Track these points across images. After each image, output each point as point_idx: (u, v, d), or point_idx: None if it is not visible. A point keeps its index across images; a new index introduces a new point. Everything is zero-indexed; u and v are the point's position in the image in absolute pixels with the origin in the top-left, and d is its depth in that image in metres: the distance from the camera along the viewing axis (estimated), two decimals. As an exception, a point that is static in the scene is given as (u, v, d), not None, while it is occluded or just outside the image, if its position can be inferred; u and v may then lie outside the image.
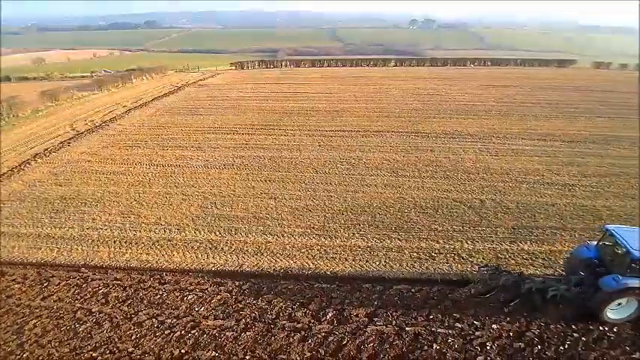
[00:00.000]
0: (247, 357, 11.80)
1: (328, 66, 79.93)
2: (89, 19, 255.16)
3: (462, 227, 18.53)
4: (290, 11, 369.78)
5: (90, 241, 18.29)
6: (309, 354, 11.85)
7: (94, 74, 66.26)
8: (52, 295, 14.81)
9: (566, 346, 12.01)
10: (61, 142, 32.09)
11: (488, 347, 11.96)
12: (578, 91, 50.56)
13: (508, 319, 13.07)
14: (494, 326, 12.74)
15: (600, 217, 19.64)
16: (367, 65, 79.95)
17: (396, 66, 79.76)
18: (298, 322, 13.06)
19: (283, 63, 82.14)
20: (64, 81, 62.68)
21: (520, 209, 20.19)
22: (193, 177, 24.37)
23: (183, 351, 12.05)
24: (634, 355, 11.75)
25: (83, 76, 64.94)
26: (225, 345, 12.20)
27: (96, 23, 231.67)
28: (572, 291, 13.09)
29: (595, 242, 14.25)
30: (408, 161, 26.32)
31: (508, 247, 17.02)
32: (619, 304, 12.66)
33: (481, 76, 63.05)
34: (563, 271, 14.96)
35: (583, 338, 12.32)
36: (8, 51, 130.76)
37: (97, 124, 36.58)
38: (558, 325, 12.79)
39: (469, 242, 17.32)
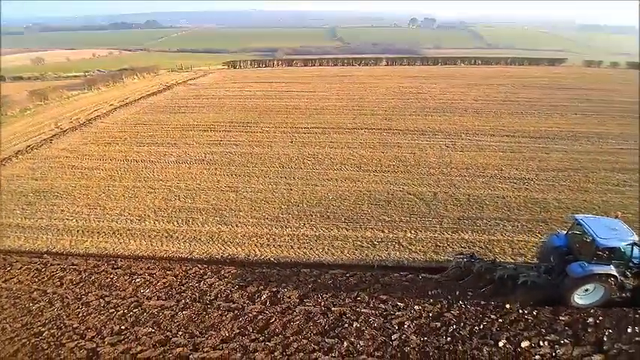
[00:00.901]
0: (180, 333, 12.67)
1: (320, 65, 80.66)
2: (90, 19, 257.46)
3: (410, 218, 19.32)
4: (290, 11, 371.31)
5: (55, 230, 19.26)
6: (237, 330, 12.71)
7: (87, 74, 67.28)
8: (14, 278, 15.89)
9: (482, 326, 12.75)
10: (44, 140, 33.07)
11: (405, 326, 12.75)
12: (561, 89, 51.07)
13: (431, 300, 13.84)
14: (416, 307, 13.53)
15: (547, 209, 20.41)
16: (359, 64, 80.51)
17: (388, 65, 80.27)
18: (234, 303, 13.93)
19: (276, 62, 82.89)
20: (58, 81, 63.75)
21: (470, 201, 20.94)
22: (163, 172, 25.27)
23: (123, 327, 12.96)
24: (547, 337, 12.40)
25: (76, 76, 66.02)
26: (162, 322, 13.10)
27: (97, 23, 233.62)
28: (541, 277, 13.83)
29: (565, 231, 14.94)
30: (373, 157, 27.10)
31: (449, 237, 17.81)
32: (586, 290, 13.28)
33: (469, 75, 63.68)
34: (537, 259, 15.65)
35: (500, 320, 13.04)
36: (8, 51, 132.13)
37: (81, 122, 37.56)
38: (478, 307, 13.51)
39: (412, 232, 18.10)
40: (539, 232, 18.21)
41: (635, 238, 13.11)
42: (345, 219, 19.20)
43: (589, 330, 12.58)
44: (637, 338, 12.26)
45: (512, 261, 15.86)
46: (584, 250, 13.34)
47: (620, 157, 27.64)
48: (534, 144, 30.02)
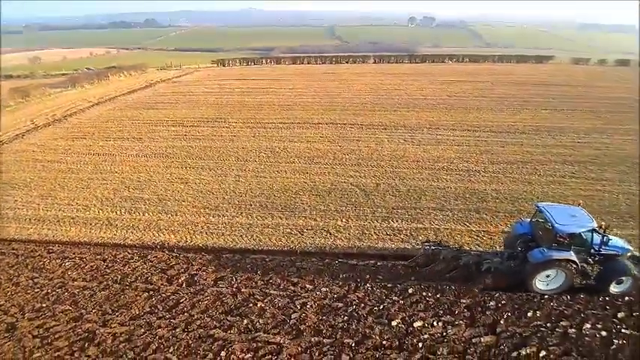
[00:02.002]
0: (94, 310, 13.29)
1: (308, 63, 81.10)
2: (90, 19, 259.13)
3: (345, 208, 19.83)
4: (290, 10, 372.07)
5: (6, 218, 19.97)
6: (148, 309, 13.30)
7: (76, 72, 68.14)
8: (-46, 261, 16.47)
9: (381, 307, 13.24)
10: (17, 135, 33.82)
11: (308, 306, 13.27)
12: (539, 86, 51.36)
13: (340, 283, 14.36)
14: (323, 289, 14.05)
15: (484, 199, 20.85)
16: (347, 62, 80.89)
17: (375, 63, 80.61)
18: (151, 284, 14.53)
19: (265, 61, 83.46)
20: (46, 79, 64.63)
21: (410, 192, 21.41)
22: (121, 165, 25.92)
23: (44, 305, 13.65)
24: (443, 318, 12.84)
25: (64, 74, 66.88)
26: (80, 301, 13.77)
27: (97, 22, 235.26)
28: (504, 264, 14.26)
29: (529, 219, 15.33)
30: (329, 150, 27.60)
31: (377, 225, 18.31)
32: (548, 276, 13.62)
33: (453, 72, 64.05)
34: (503, 246, 16.04)
35: (402, 301, 13.53)
36: (8, 50, 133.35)
37: (56, 119, 38.32)
38: (384, 290, 14.01)
39: (343, 220, 18.61)
40: (468, 221, 18.61)
41: (594, 225, 13.44)
42: (282, 208, 19.73)
43: (487, 313, 13.03)
44: (535, 322, 12.68)
45: (480, 248, 16.33)
46: (545, 237, 13.64)
47: (576, 151, 28.00)
48: (494, 138, 30.40)
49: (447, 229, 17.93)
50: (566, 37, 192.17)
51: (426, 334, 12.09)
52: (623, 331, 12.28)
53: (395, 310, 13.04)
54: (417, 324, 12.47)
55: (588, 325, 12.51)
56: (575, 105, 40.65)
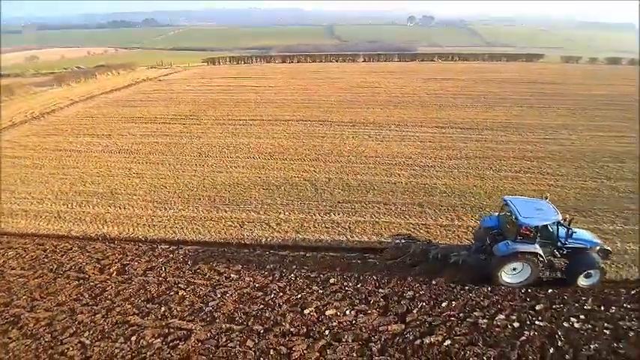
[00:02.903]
0: (24, 297, 13.65)
1: (298, 62, 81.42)
2: (90, 18, 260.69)
3: (292, 201, 20.12)
4: (290, 9, 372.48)
5: (-40, 211, 20.32)
6: (74, 296, 13.66)
7: (64, 71, 68.78)
8: None
9: (299, 296, 13.52)
10: (-7, 132, 34.27)
11: (228, 294, 13.58)
12: (519, 83, 51.50)
13: (265, 273, 14.66)
14: (247, 279, 14.36)
15: (432, 194, 21.06)
16: (336, 61, 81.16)
17: (365, 61, 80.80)
18: (83, 274, 14.88)
19: (254, 59, 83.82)
20: (36, 77, 65.29)
21: (360, 186, 21.66)
22: (84, 160, 26.31)
23: (-23, 291, 13.97)
24: (357, 307, 13.06)
25: (52, 73, 67.51)
26: (14, 288, 14.11)
27: (96, 22, 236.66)
28: (472, 257, 14.46)
29: (497, 213, 15.52)
30: (292, 146, 27.87)
31: (318, 218, 18.57)
32: (514, 269, 13.78)
33: (438, 70, 64.23)
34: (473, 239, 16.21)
35: (321, 291, 13.81)
36: (7, 49, 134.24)
37: (34, 116, 38.78)
38: (306, 280, 14.31)
39: (286, 214, 18.90)
40: (408, 215, 18.86)
41: (559, 218, 13.58)
42: (229, 202, 20.03)
43: (402, 302, 13.27)
44: (447, 312, 12.92)
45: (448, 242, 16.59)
46: (511, 230, 13.70)
47: (538, 147, 28.14)
48: (459, 134, 30.58)
49: (386, 222, 18.15)
50: (566, 37, 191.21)
51: (335, 321, 12.32)
52: (537, 322, 12.46)
53: (311, 299, 13.29)
54: (330, 312, 12.73)
55: (502, 316, 12.71)
56: (551, 102, 40.77)
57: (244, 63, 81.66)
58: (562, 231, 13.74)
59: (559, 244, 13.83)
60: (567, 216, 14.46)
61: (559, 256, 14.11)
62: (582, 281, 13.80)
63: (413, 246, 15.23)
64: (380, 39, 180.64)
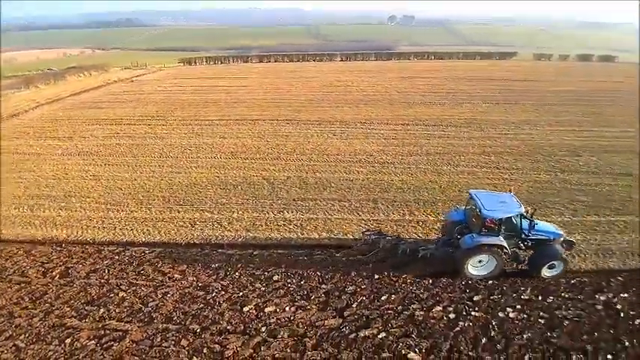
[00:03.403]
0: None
1: (276, 61, 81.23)
2: (71, 18, 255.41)
3: (247, 200, 20.09)
4: (275, 9, 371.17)
5: None
6: (15, 300, 13.41)
7: (32, 72, 67.36)
8: None
9: (240, 294, 13.53)
10: (-48, 137, 33.36)
11: (169, 295, 13.51)
12: (488, 81, 52.29)
13: (210, 272, 14.62)
14: (190, 278, 14.30)
15: (388, 190, 21.24)
16: (314, 60, 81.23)
17: (342, 61, 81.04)
18: (25, 277, 14.62)
19: (232, 59, 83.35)
20: (9, 79, 63.78)
21: (317, 184, 21.75)
22: (42, 164, 25.80)
23: None
24: (297, 303, 13.08)
25: (22, 75, 66.04)
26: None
27: (75, 22, 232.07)
28: (439, 250, 14.63)
29: (464, 207, 15.67)
30: (255, 146, 27.83)
31: (271, 216, 18.60)
32: (480, 261, 13.97)
33: (411, 69, 64.82)
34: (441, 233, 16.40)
35: (263, 288, 13.83)
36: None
37: (-4, 119, 37.90)
38: (250, 278, 14.33)
39: (239, 213, 18.87)
40: (361, 211, 19.00)
41: (522, 210, 13.82)
42: (183, 202, 19.90)
43: (343, 297, 13.38)
44: (386, 305, 13.05)
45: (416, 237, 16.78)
46: (476, 223, 13.94)
47: (498, 142, 28.67)
48: (422, 131, 30.91)
49: (338, 218, 18.26)
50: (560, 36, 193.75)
51: (274, 318, 12.36)
52: (473, 313, 12.68)
53: (252, 297, 13.30)
54: (269, 309, 12.76)
55: (439, 308, 12.92)
56: (517, 99, 41.46)
57: (221, 63, 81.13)
58: (525, 223, 14.05)
59: (523, 236, 14.17)
60: (529, 208, 14.77)
61: (523, 247, 14.47)
62: (546, 272, 14.13)
63: (382, 241, 15.41)
64: (362, 38, 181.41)
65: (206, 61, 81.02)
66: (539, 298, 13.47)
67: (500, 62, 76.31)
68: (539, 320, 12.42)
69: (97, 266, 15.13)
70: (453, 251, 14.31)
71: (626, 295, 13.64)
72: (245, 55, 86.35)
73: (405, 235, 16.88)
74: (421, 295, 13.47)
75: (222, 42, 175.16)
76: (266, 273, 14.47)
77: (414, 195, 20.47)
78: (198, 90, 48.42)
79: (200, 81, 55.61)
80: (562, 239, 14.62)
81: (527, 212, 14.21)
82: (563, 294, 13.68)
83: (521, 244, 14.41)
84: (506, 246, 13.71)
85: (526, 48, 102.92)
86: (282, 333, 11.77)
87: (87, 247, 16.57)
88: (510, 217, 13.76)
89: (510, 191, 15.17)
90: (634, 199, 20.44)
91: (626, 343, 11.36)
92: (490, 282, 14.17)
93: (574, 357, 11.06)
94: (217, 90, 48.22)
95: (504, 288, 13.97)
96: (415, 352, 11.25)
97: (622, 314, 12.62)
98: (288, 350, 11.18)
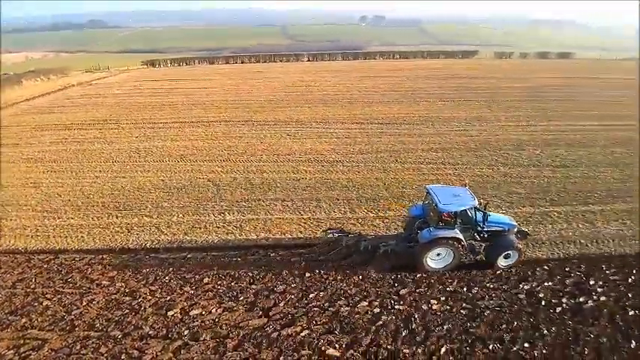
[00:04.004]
0: None
1: (242, 62, 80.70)
2: (35, 19, 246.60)
3: (189, 203, 19.91)
4: (244, 9, 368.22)
5: None
6: None
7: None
8: None
9: (168, 299, 13.40)
10: None
11: (94, 302, 13.26)
12: (448, 79, 53.38)
13: (140, 277, 14.44)
14: (118, 284, 14.10)
15: (333, 188, 21.41)
16: (281, 61, 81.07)
17: (309, 61, 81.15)
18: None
19: (198, 61, 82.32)
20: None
21: (262, 185, 21.75)
22: (-18, 172, 24.89)
23: None
24: (225, 304, 13.05)
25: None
26: None
27: (38, 23, 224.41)
28: (399, 245, 14.76)
29: (422, 202, 15.80)
30: (206, 147, 27.59)
31: (211, 218, 18.50)
32: (438, 254, 14.18)
33: (375, 69, 65.54)
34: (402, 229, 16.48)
35: (192, 291, 13.74)
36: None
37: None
38: (180, 282, 14.23)
39: (180, 216, 18.68)
40: (303, 210, 19.11)
41: (476, 203, 14.13)
42: (123, 207, 19.54)
43: (271, 297, 13.44)
44: (313, 303, 13.16)
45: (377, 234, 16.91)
46: (433, 217, 14.14)
47: (448, 138, 29.31)
48: (376, 129, 31.30)
49: (279, 218, 18.32)
50: (507, 32, 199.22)
51: (198, 321, 12.30)
52: (397, 307, 12.94)
53: (180, 300, 13.21)
54: (194, 312, 12.70)
55: (365, 303, 13.14)
56: (473, 96, 42.45)
57: (187, 65, 79.98)
58: (480, 215, 14.46)
59: (478, 228, 14.58)
60: (482, 201, 15.18)
61: (479, 239, 14.87)
62: (502, 262, 14.59)
63: (344, 239, 15.56)
64: (334, 38, 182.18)
65: (170, 63, 79.67)
66: (464, 289, 13.85)
67: (462, 61, 77.81)
68: (461, 311, 12.78)
69: (25, 275, 14.75)
70: (413, 246, 14.62)
71: (550, 283, 14.17)
72: (211, 57, 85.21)
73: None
74: (349, 292, 13.66)
75: (194, 43, 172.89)
76: (197, 276, 14.40)
77: (357, 193, 20.71)
78: (157, 92, 47.66)
79: (161, 83, 54.73)
80: (516, 230, 15.17)
81: (480, 204, 14.63)
82: (487, 284, 14.10)
83: (477, 236, 14.85)
84: (463, 238, 14.10)
85: (488, 47, 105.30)
86: (204, 335, 11.73)
87: (17, 256, 16.02)
88: (465, 209, 14.17)
89: (465, 185, 15.59)
90: (569, 190, 21.22)
91: (544, 331, 11.80)
92: (418, 275, 14.47)
93: (491, 346, 11.41)
94: (177, 92, 47.55)
95: (432, 281, 14.31)
96: (335, 347, 11.39)
97: (543, 303, 13.10)
98: (209, 352, 11.16)
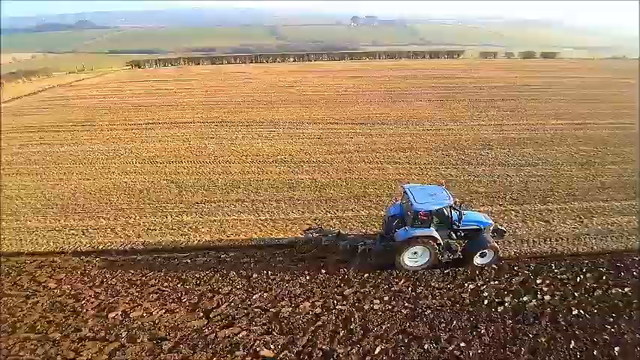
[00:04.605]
0: None
1: (228, 63, 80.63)
2: (19, 20, 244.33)
3: (149, 205, 19.87)
4: (233, 9, 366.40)
5: None
6: None
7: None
8: None
9: (111, 300, 13.41)
10: None
11: (39, 304, 13.22)
12: (430, 79, 53.65)
13: (86, 280, 14.41)
14: (65, 286, 14.07)
15: (295, 188, 21.47)
16: (266, 61, 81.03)
17: (295, 61, 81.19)
18: None
19: (182, 61, 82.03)
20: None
21: (226, 186, 21.81)
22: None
23: None
24: (167, 306, 13.10)
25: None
26: None
27: (25, 24, 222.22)
28: (377, 244, 14.83)
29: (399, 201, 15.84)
30: (176, 149, 27.55)
31: (168, 220, 18.50)
32: (415, 253, 14.27)
33: (360, 69, 65.93)
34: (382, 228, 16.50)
35: (136, 293, 13.78)
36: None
37: None
38: (125, 284, 14.25)
39: (137, 218, 18.65)
40: (261, 211, 19.17)
41: (451, 202, 14.21)
42: (82, 210, 19.47)
43: (215, 298, 13.50)
44: (256, 304, 13.17)
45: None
46: (410, 216, 14.15)
47: (419, 138, 29.55)
48: (349, 130, 31.43)
49: (236, 219, 18.37)
50: (495, 32, 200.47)
51: (138, 322, 12.31)
52: (338, 307, 13.00)
53: (123, 302, 13.21)
54: (135, 314, 12.73)
55: (308, 304, 13.21)
56: (452, 96, 42.83)
57: (172, 65, 79.68)
58: (455, 214, 14.55)
59: (454, 226, 14.66)
60: (456, 200, 15.28)
61: (455, 238, 14.96)
62: (478, 260, 14.72)
63: (323, 239, 15.63)
64: (324, 38, 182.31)
65: (155, 64, 79.32)
66: (410, 289, 13.94)
67: (447, 61, 78.22)
68: (402, 311, 12.88)
69: (-29, 279, 14.60)
70: (390, 245, 14.70)
71: (496, 282, 14.28)
72: (197, 58, 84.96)
73: (298, 233, 17.09)
74: (294, 292, 13.71)
75: (183, 43, 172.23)
76: (144, 278, 14.40)
77: (318, 193, 20.78)
78: (137, 94, 47.47)
79: (141, 84, 54.55)
80: (492, 228, 15.29)
81: (455, 203, 14.73)
82: (433, 284, 14.20)
83: (454, 235, 14.94)
84: (438, 237, 14.21)
85: (476, 47, 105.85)
86: (142, 337, 11.75)
87: (-36, 260, 15.87)
88: (440, 208, 14.25)
89: (442, 184, 15.73)
90: (530, 189, 21.43)
91: (482, 331, 11.91)
92: (366, 275, 14.56)
93: (426, 346, 11.51)
94: (157, 93, 47.43)
95: (380, 280, 14.40)
96: (270, 348, 11.45)
97: (486, 302, 13.21)
98: (144, 354, 11.18)
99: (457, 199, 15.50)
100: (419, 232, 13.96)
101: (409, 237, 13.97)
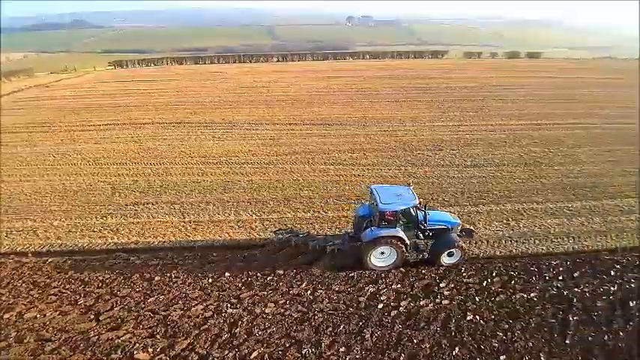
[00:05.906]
0: None
1: (211, 63, 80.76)
2: (19, 20, 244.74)
3: (77, 207, 19.95)
4: (231, 9, 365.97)
5: None
6: None
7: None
8: None
9: (11, 302, 13.48)
10: None
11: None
12: (402, 79, 53.72)
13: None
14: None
15: (232, 190, 21.59)
16: (250, 61, 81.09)
17: (279, 61, 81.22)
18: None
19: (166, 61, 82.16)
20: None
21: (161, 187, 21.89)
22: None
23: None
24: (62, 308, 13.16)
25: None
26: None
27: (20, 24, 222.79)
28: (346, 245, 15.02)
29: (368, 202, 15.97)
30: (124, 150, 27.51)
31: (93, 222, 18.59)
32: (383, 253, 14.39)
33: (341, 69, 65.85)
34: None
35: (37, 295, 13.82)
36: None
37: None
38: (29, 286, 14.27)
39: (62, 220, 18.73)
40: (187, 213, 19.25)
41: (416, 202, 14.34)
42: (12, 212, 19.40)
43: (110, 300, 13.56)
44: (150, 307, 13.24)
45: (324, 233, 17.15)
46: (376, 217, 14.22)
47: (373, 139, 29.61)
48: (306, 130, 31.48)
49: (160, 222, 18.44)
50: (494, 32, 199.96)
51: (29, 323, 12.46)
52: (230, 310, 13.02)
53: (21, 303, 13.33)
54: (29, 315, 12.91)
55: (200, 307, 13.29)
56: (419, 96, 42.82)
57: (154, 65, 79.79)
58: (420, 214, 14.69)
59: (421, 226, 14.78)
60: (421, 200, 15.32)
61: (422, 237, 15.07)
62: (445, 260, 14.81)
63: (294, 239, 15.75)
64: (320, 38, 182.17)
65: (139, 64, 79.43)
66: (308, 292, 13.97)
67: (430, 61, 78.19)
68: (293, 314, 12.88)
69: None
70: (359, 245, 14.82)
71: (398, 286, 14.19)
72: (180, 57, 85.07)
73: (217, 235, 17.19)
74: (191, 295, 13.76)
75: (182, 43, 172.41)
76: (48, 279, 14.47)
77: (250, 195, 20.85)
78: (109, 94, 47.55)
79: (117, 84, 54.63)
80: (460, 228, 15.41)
81: (420, 204, 14.81)
82: (335, 287, 14.21)
83: (421, 235, 15.05)
84: (405, 237, 14.30)
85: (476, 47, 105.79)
86: (28, 338, 11.84)
87: None
88: (407, 209, 14.37)
89: (408, 184, 15.83)
90: (466, 190, 21.45)
91: (366, 335, 11.84)
92: (269, 278, 14.61)
93: (304, 350, 11.53)
94: (129, 94, 47.47)
95: (280, 284, 14.44)
96: (148, 351, 11.53)
97: (381, 306, 13.14)
98: (26, 354, 11.29)
99: (421, 200, 15.46)
100: (385, 232, 14.07)
101: (375, 237, 14.11)
